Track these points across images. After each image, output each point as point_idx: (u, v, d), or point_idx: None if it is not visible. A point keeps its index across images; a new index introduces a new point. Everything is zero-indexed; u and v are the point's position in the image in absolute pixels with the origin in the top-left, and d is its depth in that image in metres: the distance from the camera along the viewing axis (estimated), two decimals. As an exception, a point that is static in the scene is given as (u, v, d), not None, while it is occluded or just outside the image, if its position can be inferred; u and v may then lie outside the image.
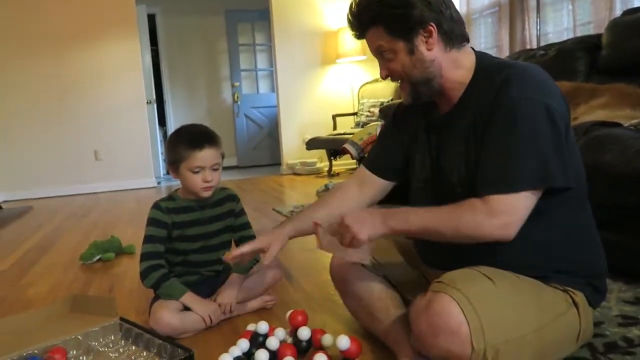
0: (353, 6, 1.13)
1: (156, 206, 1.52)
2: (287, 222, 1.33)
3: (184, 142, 1.46)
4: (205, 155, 1.44)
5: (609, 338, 1.21)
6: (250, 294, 1.58)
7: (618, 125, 1.83)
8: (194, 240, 1.54)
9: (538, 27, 3.68)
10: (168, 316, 1.39)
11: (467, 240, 1.01)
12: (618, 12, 2.86)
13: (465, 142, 1.07)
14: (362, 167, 1.35)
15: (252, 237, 1.62)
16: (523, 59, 2.94)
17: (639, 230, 1.53)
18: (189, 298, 1.46)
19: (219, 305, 1.48)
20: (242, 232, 1.62)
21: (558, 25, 3.59)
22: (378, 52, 1.13)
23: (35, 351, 1.27)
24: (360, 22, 1.12)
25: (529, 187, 0.97)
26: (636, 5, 2.82)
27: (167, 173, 1.57)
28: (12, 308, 1.82)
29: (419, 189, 1.24)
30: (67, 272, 2.26)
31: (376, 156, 1.35)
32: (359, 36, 1.16)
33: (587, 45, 2.62)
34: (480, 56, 1.13)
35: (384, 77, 1.16)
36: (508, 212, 0.97)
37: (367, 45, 1.16)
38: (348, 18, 1.15)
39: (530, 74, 1.02)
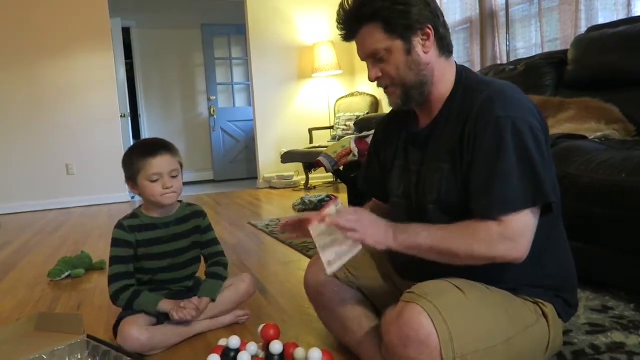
0: (348, 1, 1.09)
1: (119, 226, 1.49)
2: None
3: (138, 153, 1.46)
4: (161, 162, 1.43)
5: (577, 346, 1.23)
6: (223, 309, 1.55)
7: (584, 137, 1.89)
8: (160, 259, 1.50)
9: (508, 43, 3.78)
10: (136, 332, 1.36)
11: (479, 262, 0.98)
12: (583, 29, 2.95)
13: (450, 160, 1.06)
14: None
15: (220, 253, 1.61)
16: (493, 74, 3.01)
17: (605, 240, 1.57)
18: (164, 304, 1.44)
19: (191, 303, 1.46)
20: (210, 248, 1.59)
21: (527, 41, 3.69)
22: (369, 53, 1.10)
23: (-3, 371, 1.22)
24: (358, 17, 1.08)
25: (529, 206, 0.97)
26: (600, 22, 2.93)
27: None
28: (-25, 327, 1.75)
29: (395, 205, 1.24)
30: (34, 290, 2.19)
31: (368, 183, 1.37)
32: (349, 36, 1.12)
33: (554, 60, 2.70)
34: (460, 70, 1.14)
35: (373, 79, 1.13)
36: (521, 231, 0.96)
37: (356, 48, 1.12)
38: (340, 15, 1.11)
39: (510, 93, 1.03)
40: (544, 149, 1.01)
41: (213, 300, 1.52)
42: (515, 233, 0.96)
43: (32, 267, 2.62)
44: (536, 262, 1.07)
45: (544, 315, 1.07)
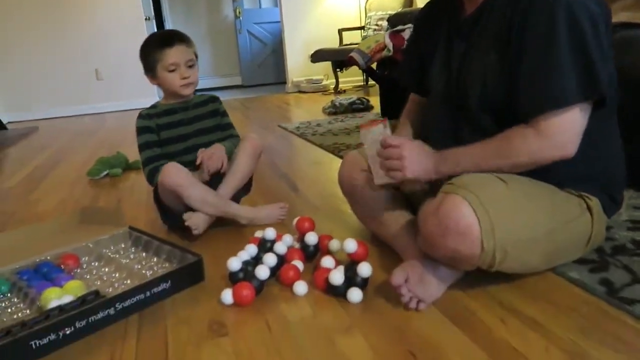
0: None
1: (139, 116, 1.56)
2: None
3: (155, 44, 1.50)
4: (178, 52, 1.48)
5: (617, 241, 1.21)
6: (241, 173, 1.54)
7: (642, 27, 1.73)
8: (184, 140, 1.56)
9: None
10: (177, 167, 1.42)
11: (528, 168, 0.97)
12: None
13: (497, 51, 0.99)
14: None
15: (235, 136, 1.64)
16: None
17: (656, 137, 1.48)
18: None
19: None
20: (227, 131, 1.64)
21: None
22: None
23: (48, 257, 1.29)
24: None
25: (579, 101, 0.91)
26: None
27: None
28: (22, 222, 1.84)
29: (433, 105, 1.19)
30: (75, 188, 2.27)
31: (408, 75, 1.31)
32: None
33: (614, -58, 2.41)
34: None
35: None
36: (561, 131, 0.92)
37: None
38: None
39: None
40: (602, 39, 0.91)
41: (228, 156, 1.52)
42: (555, 132, 0.92)
43: (71, 168, 2.71)
44: (586, 158, 1.01)
45: (589, 208, 1.04)
